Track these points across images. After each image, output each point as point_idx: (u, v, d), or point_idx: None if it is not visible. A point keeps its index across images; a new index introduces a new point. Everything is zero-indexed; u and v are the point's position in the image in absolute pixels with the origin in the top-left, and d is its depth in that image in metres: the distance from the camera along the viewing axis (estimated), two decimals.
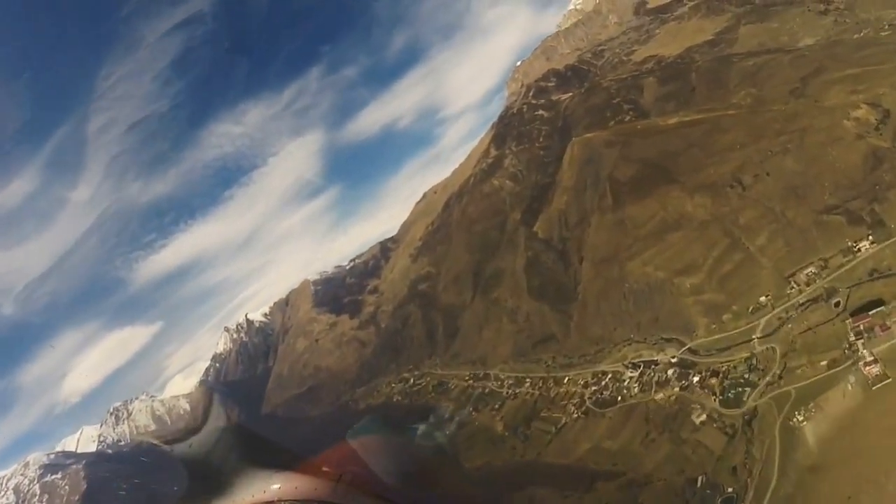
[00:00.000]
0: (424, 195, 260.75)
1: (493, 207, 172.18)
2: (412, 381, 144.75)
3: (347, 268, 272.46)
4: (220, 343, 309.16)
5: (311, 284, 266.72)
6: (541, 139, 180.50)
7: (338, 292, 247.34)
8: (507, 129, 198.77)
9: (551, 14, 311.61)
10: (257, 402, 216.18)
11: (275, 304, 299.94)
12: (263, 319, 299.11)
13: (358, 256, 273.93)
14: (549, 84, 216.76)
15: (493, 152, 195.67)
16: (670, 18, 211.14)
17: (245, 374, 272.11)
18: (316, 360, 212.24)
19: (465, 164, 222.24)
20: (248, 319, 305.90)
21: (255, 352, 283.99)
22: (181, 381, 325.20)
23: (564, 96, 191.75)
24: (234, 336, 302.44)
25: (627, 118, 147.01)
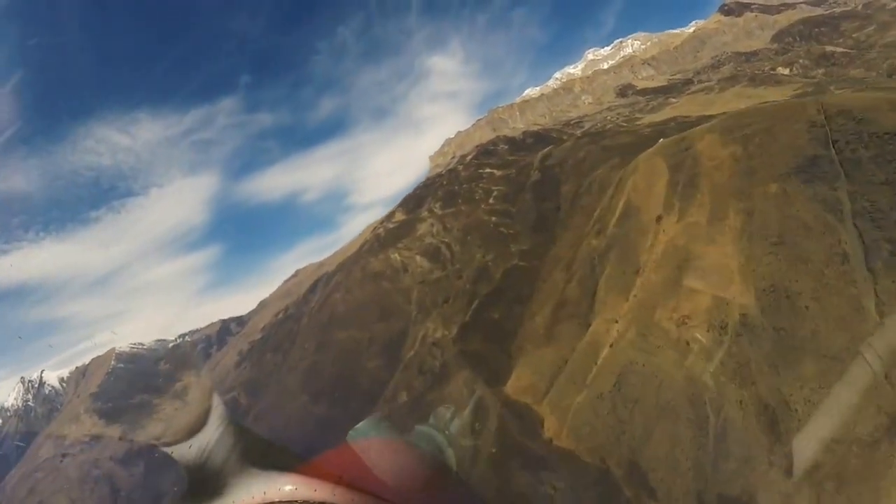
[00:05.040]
0: (297, 272, 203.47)
1: (380, 298, 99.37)
2: None
3: (170, 346, 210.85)
4: (12, 395, 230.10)
5: (115, 358, 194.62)
6: (490, 200, 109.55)
7: (135, 381, 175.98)
8: (428, 191, 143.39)
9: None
10: None
11: (76, 368, 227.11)
12: (57, 385, 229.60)
13: (191, 332, 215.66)
14: (501, 147, 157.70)
15: (399, 217, 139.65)
16: (686, 92, 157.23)
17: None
18: (42, 492, 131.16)
19: (358, 239, 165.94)
20: (41, 378, 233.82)
21: (30, 425, 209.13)
22: None
23: (532, 155, 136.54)
24: (24, 394, 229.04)
25: None
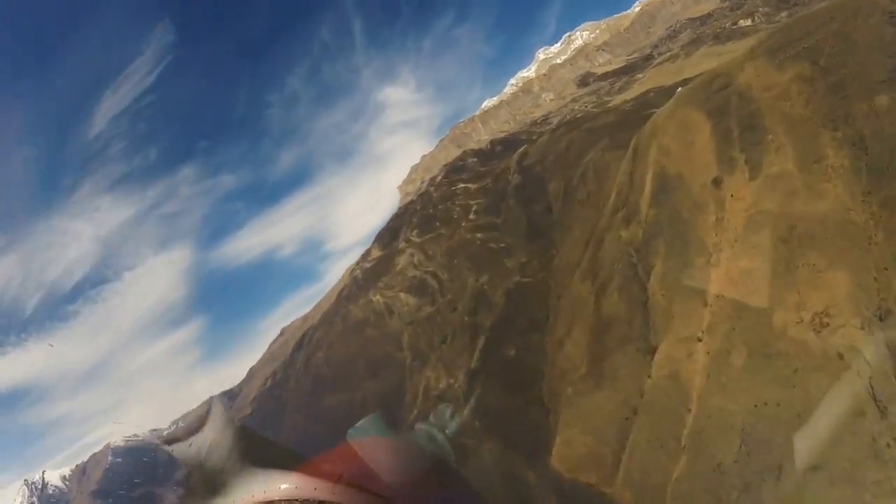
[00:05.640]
0: (282, 331, 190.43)
1: (367, 350, 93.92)
2: None
3: (165, 432, 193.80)
4: (17, 500, 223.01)
5: (111, 454, 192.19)
6: (471, 216, 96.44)
7: (135, 474, 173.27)
8: (402, 220, 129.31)
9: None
10: None
11: (77, 466, 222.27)
12: (60, 484, 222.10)
13: (184, 416, 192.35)
14: (470, 161, 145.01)
15: (376, 254, 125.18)
16: (650, 66, 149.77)
17: None
18: None
19: (338, 285, 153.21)
20: (43, 479, 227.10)
21: None
22: None
23: (506, 160, 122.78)
24: (29, 497, 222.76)
25: None
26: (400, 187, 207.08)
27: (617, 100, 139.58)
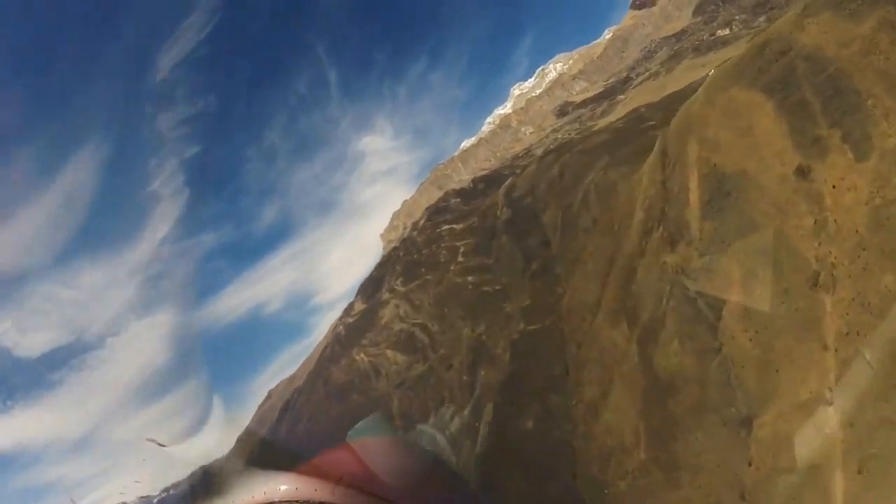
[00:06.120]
0: (269, 394, 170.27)
1: (352, 419, 75.53)
2: None
3: (155, 501, 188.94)
4: None
5: None
6: (459, 258, 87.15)
7: None
8: (385, 269, 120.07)
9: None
10: None
11: None
12: None
13: (174, 485, 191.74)
14: (453, 202, 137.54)
15: (359, 307, 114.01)
16: (630, 87, 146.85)
17: None
18: None
19: (322, 342, 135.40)
20: None
21: None
22: None
23: (492, 195, 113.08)
24: None
25: None
26: (382, 235, 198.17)
27: (601, 123, 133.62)
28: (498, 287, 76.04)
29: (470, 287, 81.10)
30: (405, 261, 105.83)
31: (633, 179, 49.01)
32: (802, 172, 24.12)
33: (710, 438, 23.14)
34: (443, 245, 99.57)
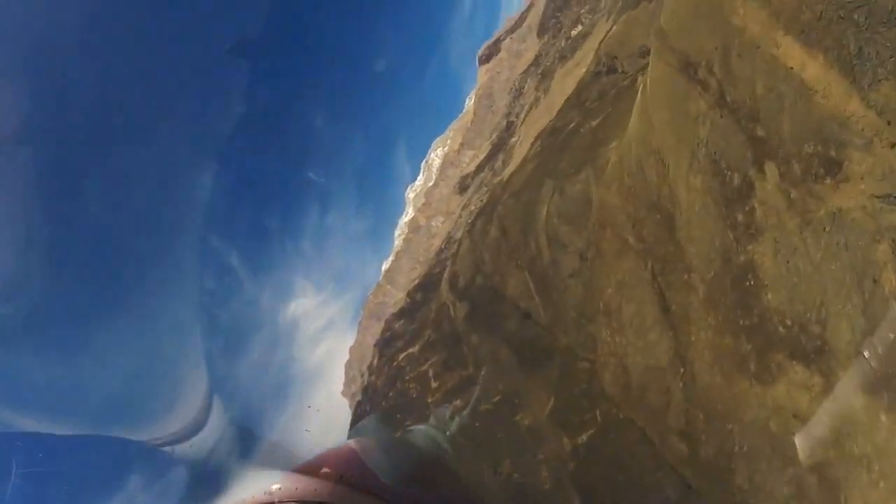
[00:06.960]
0: None
1: None
2: None
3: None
4: None
5: None
6: (433, 384, 70.48)
7: None
8: (358, 433, 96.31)
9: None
10: None
11: None
12: None
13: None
14: (397, 326, 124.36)
15: None
16: (517, 126, 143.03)
17: None
18: None
19: None
20: None
21: None
22: None
23: (435, 300, 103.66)
24: None
25: None
26: (343, 392, 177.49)
27: (505, 174, 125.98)
28: (497, 399, 58.17)
29: (464, 414, 62.88)
30: (376, 418, 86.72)
31: (609, 170, 34.64)
32: None
33: None
34: (407, 378, 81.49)
